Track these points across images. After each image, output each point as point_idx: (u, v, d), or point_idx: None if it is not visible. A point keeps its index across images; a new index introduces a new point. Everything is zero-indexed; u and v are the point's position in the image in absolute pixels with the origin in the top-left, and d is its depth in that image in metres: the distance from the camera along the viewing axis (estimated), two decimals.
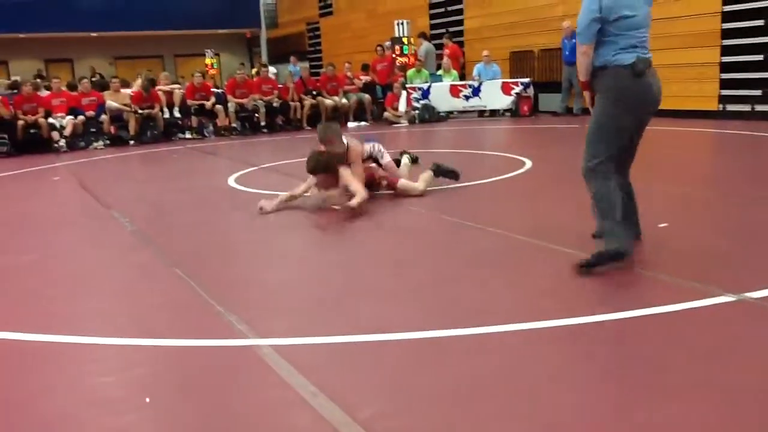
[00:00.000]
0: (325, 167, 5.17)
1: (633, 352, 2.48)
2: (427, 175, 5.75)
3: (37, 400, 2.39)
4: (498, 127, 11.87)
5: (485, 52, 13.26)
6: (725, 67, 10.13)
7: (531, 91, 12.95)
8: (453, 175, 5.87)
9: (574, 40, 11.62)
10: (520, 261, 3.74)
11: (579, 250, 3.60)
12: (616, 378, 2.31)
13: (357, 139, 5.71)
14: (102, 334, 2.96)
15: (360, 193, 5.03)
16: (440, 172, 5.83)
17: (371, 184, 5.49)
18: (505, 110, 13.11)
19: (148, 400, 2.32)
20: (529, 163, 6.95)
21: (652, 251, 3.68)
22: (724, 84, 10.17)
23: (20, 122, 11.37)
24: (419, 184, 5.62)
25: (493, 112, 13.32)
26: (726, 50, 10.07)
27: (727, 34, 10.01)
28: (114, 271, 4.09)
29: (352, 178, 5.17)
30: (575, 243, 3.77)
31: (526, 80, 12.89)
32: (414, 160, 6.37)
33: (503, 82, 12.95)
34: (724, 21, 10.01)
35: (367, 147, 5.59)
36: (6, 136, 11.28)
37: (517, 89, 12.81)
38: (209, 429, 2.12)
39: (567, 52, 11.85)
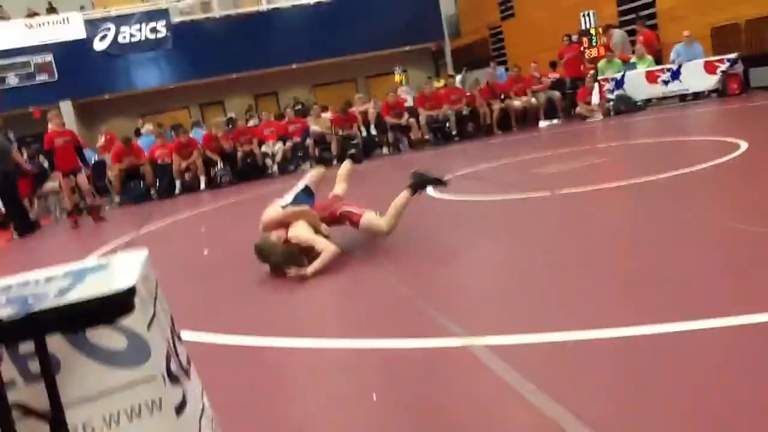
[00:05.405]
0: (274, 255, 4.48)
1: None
2: (400, 201, 4.78)
3: (274, 402, 2.68)
4: (704, 110, 11.01)
5: (686, 32, 12.35)
6: None
7: (739, 67, 11.82)
8: (438, 182, 4.99)
9: None
10: (743, 251, 3.48)
11: None
12: None
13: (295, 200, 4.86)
14: (325, 335, 3.23)
15: (325, 251, 4.39)
16: (420, 184, 4.89)
17: (331, 222, 4.87)
18: (711, 91, 12.12)
19: (375, 398, 2.51)
20: (744, 146, 6.41)
21: None
22: None
23: (239, 153, 12.70)
24: (383, 222, 4.74)
25: (697, 95, 12.37)
26: None
27: None
28: (326, 278, 4.39)
29: (309, 236, 4.50)
30: None
31: (733, 56, 11.79)
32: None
33: (705, 62, 11.97)
34: None
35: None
36: (228, 167, 12.65)
37: (723, 67, 11.76)
38: (435, 426, 2.25)
39: None
